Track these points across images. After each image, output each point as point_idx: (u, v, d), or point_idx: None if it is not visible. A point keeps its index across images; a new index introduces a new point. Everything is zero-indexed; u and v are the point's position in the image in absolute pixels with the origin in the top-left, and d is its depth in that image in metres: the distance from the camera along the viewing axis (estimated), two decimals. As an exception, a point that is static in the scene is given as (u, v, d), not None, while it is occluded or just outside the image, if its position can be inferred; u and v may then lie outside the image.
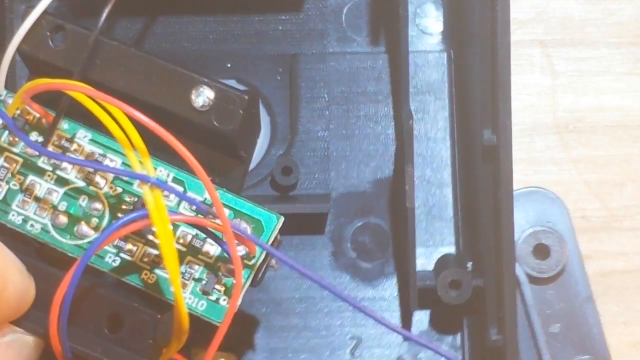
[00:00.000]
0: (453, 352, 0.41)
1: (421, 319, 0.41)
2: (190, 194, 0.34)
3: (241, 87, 0.41)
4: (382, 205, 0.42)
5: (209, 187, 0.32)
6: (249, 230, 0.34)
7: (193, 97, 0.34)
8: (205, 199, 0.34)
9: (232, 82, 0.41)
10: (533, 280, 0.41)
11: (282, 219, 0.34)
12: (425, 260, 0.41)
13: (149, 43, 0.41)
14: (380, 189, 0.42)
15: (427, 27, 0.43)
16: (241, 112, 0.33)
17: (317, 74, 0.42)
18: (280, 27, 0.42)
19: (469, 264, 0.41)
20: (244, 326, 0.41)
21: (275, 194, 0.41)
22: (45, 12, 0.34)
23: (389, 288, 0.41)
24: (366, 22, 0.42)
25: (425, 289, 0.39)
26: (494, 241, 0.38)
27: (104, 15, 0.34)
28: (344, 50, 0.42)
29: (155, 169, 0.34)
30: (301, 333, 0.41)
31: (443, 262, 0.41)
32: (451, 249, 0.42)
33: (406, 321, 0.41)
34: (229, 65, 0.42)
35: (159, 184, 0.32)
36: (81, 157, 0.34)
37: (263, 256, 0.34)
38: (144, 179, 0.32)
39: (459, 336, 0.41)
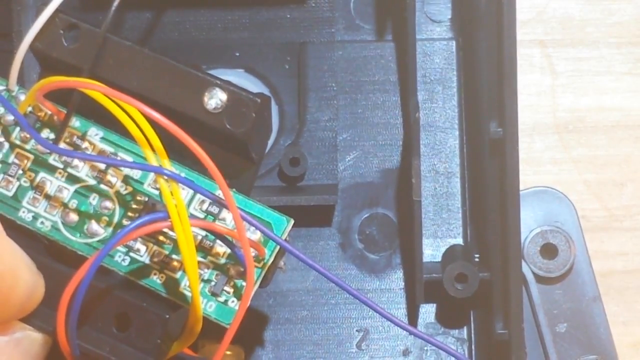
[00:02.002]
0: (458, 350, 0.42)
1: (428, 311, 0.43)
2: (200, 195, 0.35)
3: (250, 77, 0.43)
4: (390, 196, 0.43)
5: (222, 186, 0.33)
6: (258, 234, 0.35)
7: (206, 99, 0.35)
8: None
9: (240, 71, 0.43)
10: (540, 279, 0.42)
11: (292, 221, 0.35)
12: (432, 251, 0.43)
13: (157, 32, 0.43)
14: (388, 179, 0.43)
15: (435, 14, 0.44)
16: (254, 115, 0.35)
17: (325, 63, 0.43)
18: (288, 16, 0.43)
19: (476, 256, 0.42)
20: (251, 318, 0.42)
21: (283, 185, 0.42)
22: (58, 10, 0.35)
23: (396, 280, 0.43)
24: (374, 10, 0.43)
25: (432, 281, 0.41)
26: (501, 236, 0.39)
27: (111, 13, 0.35)
28: (352, 39, 0.43)
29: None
30: (308, 325, 0.43)
31: (450, 254, 0.42)
32: (459, 240, 0.43)
33: (412, 314, 0.42)
34: (237, 54, 0.43)
35: (174, 176, 0.33)
36: (95, 152, 0.35)
37: (273, 257, 0.35)
38: (158, 171, 0.33)
39: (465, 329, 0.42)
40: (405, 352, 0.42)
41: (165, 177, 0.33)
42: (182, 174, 0.35)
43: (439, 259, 0.43)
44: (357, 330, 0.43)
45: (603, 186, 0.44)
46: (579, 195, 0.43)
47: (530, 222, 0.42)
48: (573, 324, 0.42)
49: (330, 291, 0.43)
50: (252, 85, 0.43)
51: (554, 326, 0.42)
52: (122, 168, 0.35)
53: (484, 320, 0.41)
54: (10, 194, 0.35)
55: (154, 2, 0.42)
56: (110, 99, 0.33)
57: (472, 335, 0.42)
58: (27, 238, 0.35)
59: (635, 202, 0.44)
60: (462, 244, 0.43)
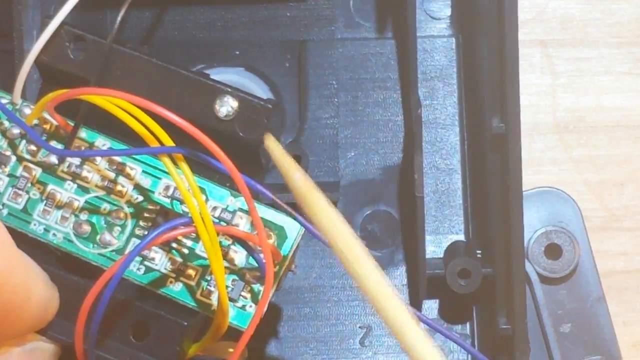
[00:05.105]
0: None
1: (430, 307, 0.43)
2: (212, 201, 0.36)
3: (251, 75, 0.43)
4: (392, 193, 0.44)
5: (242, 186, 0.34)
6: (272, 238, 0.35)
7: (217, 106, 0.35)
8: (227, 206, 0.36)
9: (240, 70, 0.43)
10: (544, 280, 0.43)
11: (303, 229, 0.36)
12: (434, 247, 0.44)
13: (157, 31, 0.43)
14: (389, 176, 0.44)
15: (435, 11, 0.44)
16: (266, 121, 0.35)
17: (326, 61, 0.43)
18: (288, 14, 0.43)
19: (479, 252, 0.43)
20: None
21: (284, 183, 0.43)
22: (64, 23, 0.35)
23: (399, 276, 0.44)
24: (374, 7, 0.44)
25: (434, 277, 0.42)
26: (504, 231, 0.40)
27: (117, 24, 0.35)
28: (352, 37, 0.44)
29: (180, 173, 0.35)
30: (310, 322, 0.43)
31: (453, 250, 0.43)
32: (461, 236, 0.44)
33: (416, 309, 0.43)
34: (237, 53, 0.43)
35: (189, 153, 0.34)
36: (104, 161, 0.36)
37: (287, 261, 0.36)
38: (175, 151, 0.34)
39: (468, 325, 0.43)
40: (409, 349, 0.43)
41: (186, 186, 0.34)
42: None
43: (441, 255, 0.43)
44: (360, 327, 0.43)
45: (603, 186, 0.44)
46: (579, 195, 0.44)
47: (535, 223, 0.43)
48: (577, 324, 0.42)
49: (333, 288, 0.43)
50: (253, 83, 0.43)
51: (558, 326, 0.42)
52: (131, 177, 0.36)
53: (487, 315, 0.42)
54: (20, 207, 0.36)
55: (154, 1, 0.43)
56: (121, 108, 0.34)
57: (475, 331, 0.43)
58: (40, 251, 0.36)
59: (635, 202, 0.45)
60: (464, 240, 0.43)
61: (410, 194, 0.41)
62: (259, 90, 0.43)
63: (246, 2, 0.43)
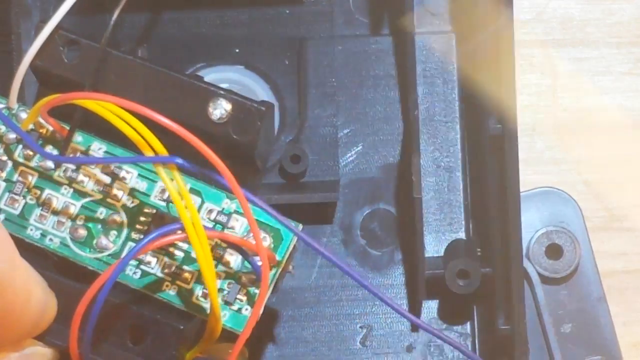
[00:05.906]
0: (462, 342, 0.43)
1: (430, 306, 0.44)
2: (207, 204, 0.36)
3: (250, 73, 0.43)
4: (392, 192, 0.44)
5: (236, 189, 0.34)
6: (268, 241, 0.36)
7: (210, 109, 0.35)
8: (223, 209, 0.36)
9: (240, 68, 0.43)
10: (545, 280, 0.43)
11: (301, 226, 0.36)
12: (435, 245, 0.44)
13: (157, 30, 0.43)
14: (389, 174, 0.44)
15: (434, 7, 0.44)
16: (259, 123, 0.35)
17: (325, 58, 0.43)
18: (287, 12, 0.43)
19: (479, 250, 0.43)
20: (255, 317, 0.43)
21: (284, 182, 0.43)
22: (58, 27, 0.35)
23: (399, 276, 0.44)
24: (373, 4, 0.44)
25: (434, 277, 0.42)
26: (502, 232, 0.40)
27: (110, 27, 0.35)
28: (351, 34, 0.44)
29: (172, 179, 0.35)
30: (311, 323, 0.43)
31: (453, 248, 0.43)
32: (461, 235, 0.44)
33: (415, 309, 0.43)
34: (236, 51, 0.43)
35: (185, 165, 0.34)
36: (99, 166, 0.36)
37: (283, 264, 0.36)
38: (170, 161, 0.34)
39: (468, 324, 0.43)
40: (409, 349, 0.43)
41: (177, 190, 0.34)
42: (189, 185, 0.36)
43: (442, 254, 0.43)
44: (360, 327, 0.43)
45: (603, 186, 0.45)
46: (579, 195, 0.44)
47: (535, 223, 0.43)
48: (578, 324, 0.43)
49: (333, 288, 0.43)
50: (252, 82, 0.43)
51: (558, 327, 0.43)
52: (127, 181, 0.36)
53: (487, 315, 0.42)
54: (17, 212, 0.36)
55: (154, 1, 0.43)
56: (114, 112, 0.34)
57: (475, 331, 0.43)
58: (36, 256, 0.36)
59: (635, 202, 0.45)
60: (465, 239, 0.43)
61: (410, 193, 0.41)
62: (259, 88, 0.43)
63: (246, 0, 0.43)
